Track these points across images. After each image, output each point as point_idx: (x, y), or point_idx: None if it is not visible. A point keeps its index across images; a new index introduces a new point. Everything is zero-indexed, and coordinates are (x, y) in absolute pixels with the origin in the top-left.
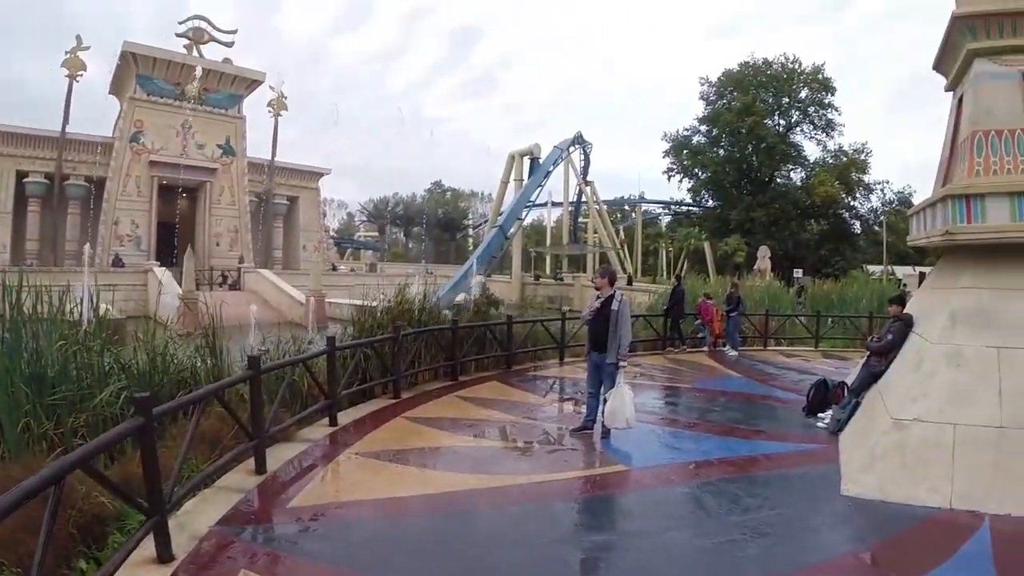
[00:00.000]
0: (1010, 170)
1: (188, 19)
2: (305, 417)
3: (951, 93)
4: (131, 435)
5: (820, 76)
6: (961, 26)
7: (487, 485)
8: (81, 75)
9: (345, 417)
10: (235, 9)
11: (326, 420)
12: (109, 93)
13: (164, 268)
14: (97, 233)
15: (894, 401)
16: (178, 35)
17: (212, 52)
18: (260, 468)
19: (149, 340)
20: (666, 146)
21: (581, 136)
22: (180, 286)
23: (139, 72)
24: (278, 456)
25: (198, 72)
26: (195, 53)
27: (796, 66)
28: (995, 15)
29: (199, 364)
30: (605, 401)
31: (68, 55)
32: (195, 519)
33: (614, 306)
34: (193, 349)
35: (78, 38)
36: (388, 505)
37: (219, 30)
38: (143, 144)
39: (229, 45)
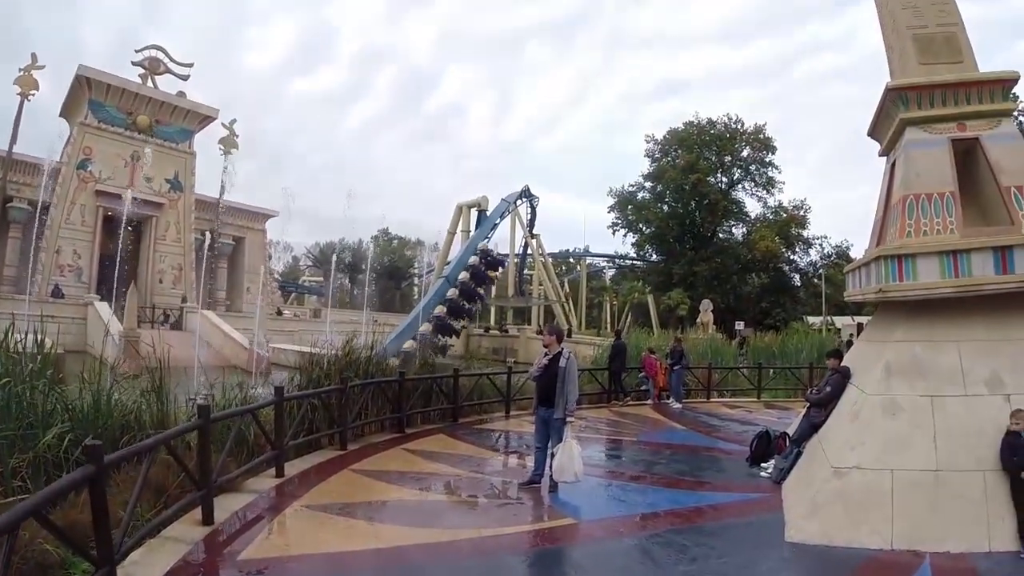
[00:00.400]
0: (939, 230)
1: (145, 48)
2: (252, 467)
3: (885, 157)
4: (82, 484)
5: (761, 135)
6: (894, 97)
7: (437, 539)
8: (33, 94)
9: (292, 468)
10: (190, 43)
11: (272, 470)
12: (60, 116)
13: (105, 302)
14: (38, 260)
15: (834, 450)
16: (134, 63)
17: (167, 84)
18: (207, 519)
19: (94, 380)
20: (612, 201)
21: (528, 190)
22: (121, 322)
23: (92, 97)
24: (225, 507)
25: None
26: (150, 83)
27: (738, 126)
28: (925, 87)
29: (144, 408)
30: (553, 455)
31: (21, 73)
32: (143, 571)
33: (561, 363)
34: (139, 393)
35: (33, 56)
36: (337, 559)
37: (175, 62)
38: (90, 172)
39: (184, 78)
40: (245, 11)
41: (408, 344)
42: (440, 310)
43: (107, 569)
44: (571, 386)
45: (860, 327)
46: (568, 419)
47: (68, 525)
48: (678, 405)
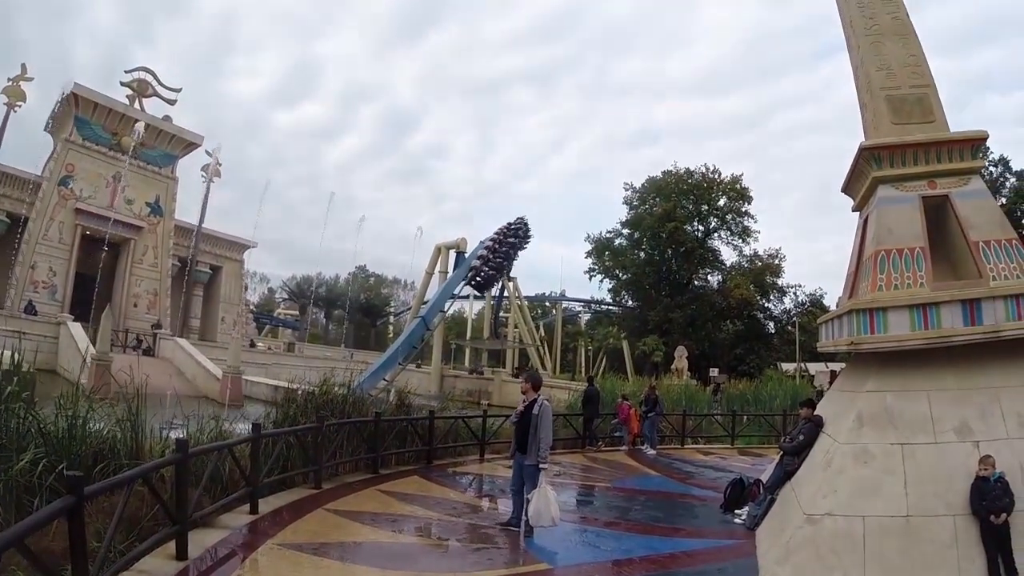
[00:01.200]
0: (909, 284)
1: (135, 69)
2: (227, 503)
3: (858, 213)
4: (61, 515)
5: (738, 186)
6: (867, 156)
7: None
8: (20, 105)
9: (266, 505)
10: (178, 68)
11: (247, 507)
12: (45, 131)
13: (78, 323)
14: (12, 275)
15: (806, 497)
16: (123, 84)
17: (154, 107)
18: (181, 554)
19: (70, 405)
20: (589, 246)
21: None
22: (93, 345)
23: (79, 115)
24: (199, 542)
25: (139, 127)
26: (137, 105)
27: (715, 175)
28: (898, 147)
29: (119, 437)
30: (528, 501)
31: (10, 83)
32: None
33: (535, 410)
34: (114, 421)
35: (23, 67)
36: None
37: (164, 86)
38: (71, 189)
39: (172, 102)
40: (233, 40)
41: (382, 384)
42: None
43: None
44: (543, 433)
45: (833, 374)
46: (541, 465)
47: (40, 552)
48: (652, 451)
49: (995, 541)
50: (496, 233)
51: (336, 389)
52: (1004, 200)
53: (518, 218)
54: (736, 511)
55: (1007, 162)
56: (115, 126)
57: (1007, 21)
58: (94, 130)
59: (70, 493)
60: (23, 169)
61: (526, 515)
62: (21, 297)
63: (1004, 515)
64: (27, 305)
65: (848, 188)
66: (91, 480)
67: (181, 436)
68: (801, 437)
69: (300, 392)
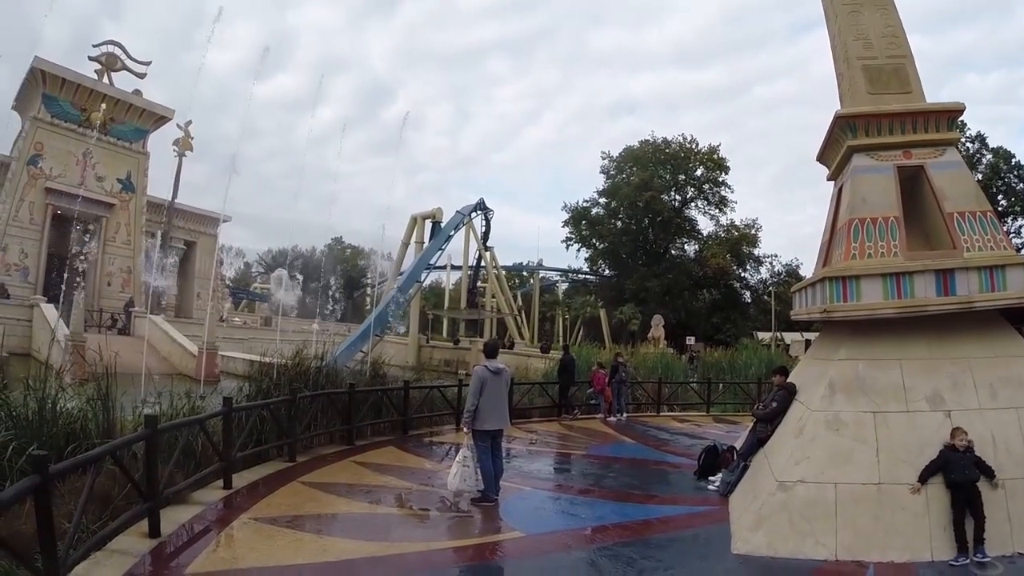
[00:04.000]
0: (883, 253)
1: (103, 43)
2: (200, 479)
3: (833, 182)
4: (27, 495)
5: (715, 156)
6: (843, 124)
7: (385, 552)
8: None
9: (240, 480)
10: (148, 42)
11: (221, 482)
12: (12, 108)
13: (51, 304)
14: None
15: (779, 464)
16: (91, 58)
17: (123, 82)
18: (154, 531)
19: (40, 387)
20: (566, 216)
21: (483, 203)
22: (67, 326)
23: (46, 91)
24: (172, 519)
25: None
26: (106, 80)
27: (693, 146)
28: (873, 116)
29: (90, 416)
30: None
31: None
32: None
33: None
34: (84, 401)
35: None
36: (285, 573)
37: (133, 59)
38: (40, 168)
39: (141, 76)
40: (203, 12)
41: (359, 356)
42: None
43: None
44: (468, 397)
45: (808, 344)
46: (463, 429)
47: (9, 536)
48: (612, 418)
49: (964, 504)
50: None
51: (310, 362)
52: (980, 176)
53: None
54: (710, 478)
55: (984, 139)
56: (84, 102)
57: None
58: (62, 107)
59: (36, 473)
60: None
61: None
62: None
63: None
64: None
65: (823, 157)
66: (62, 460)
67: (151, 413)
68: (774, 404)
69: (272, 365)
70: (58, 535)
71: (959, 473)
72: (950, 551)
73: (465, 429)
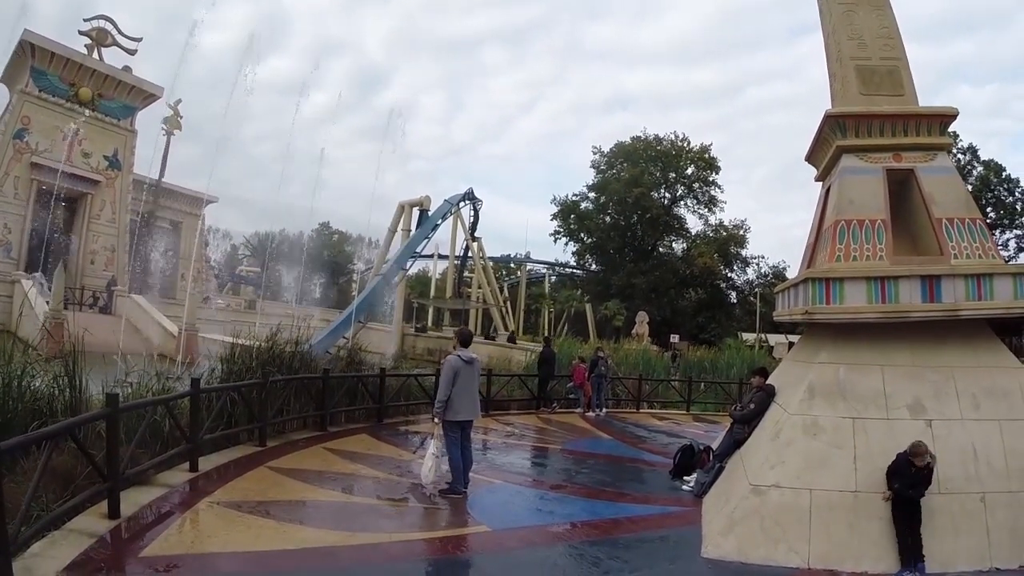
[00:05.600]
0: (868, 256)
1: (93, 18)
2: (165, 460)
3: (821, 183)
4: None
5: (706, 155)
6: (833, 124)
7: (348, 543)
8: None
9: (207, 463)
10: (138, 20)
11: (187, 464)
12: (0, 82)
13: (32, 280)
14: None
15: (754, 467)
16: (81, 33)
17: (113, 57)
18: (114, 512)
19: (6, 363)
20: (555, 209)
21: (472, 193)
22: (47, 303)
23: (35, 65)
24: (134, 500)
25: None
26: (96, 55)
27: (684, 144)
28: (864, 116)
29: (56, 394)
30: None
31: None
32: (42, 563)
33: None
34: (51, 378)
35: None
36: (246, 559)
37: (124, 35)
38: (26, 143)
39: (132, 52)
40: None
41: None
42: None
43: (0, 560)
44: (440, 386)
45: (792, 345)
46: (434, 419)
47: None
48: (591, 413)
49: (906, 518)
50: None
51: (284, 346)
52: (970, 188)
53: None
54: (685, 477)
55: (975, 150)
56: (73, 76)
57: (983, 11)
58: (51, 81)
59: None
60: None
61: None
62: None
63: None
64: None
65: (812, 157)
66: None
67: (113, 392)
68: (752, 406)
69: (247, 347)
70: (16, 514)
71: (906, 488)
72: (928, 562)
73: (436, 420)
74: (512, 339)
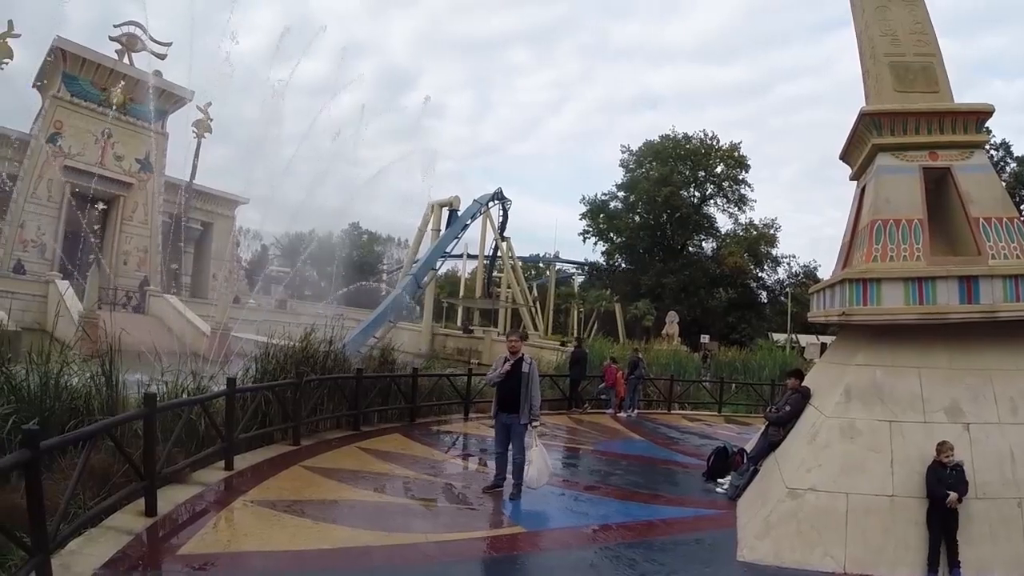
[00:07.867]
0: (906, 256)
1: (124, 23)
2: (200, 459)
3: (855, 182)
4: (17, 468)
5: (736, 153)
6: (868, 122)
7: (384, 542)
8: (7, 63)
9: (242, 461)
10: (167, 23)
11: (222, 463)
12: (32, 86)
13: (67, 281)
14: (1, 234)
15: (790, 470)
16: (111, 38)
17: (143, 62)
18: (151, 510)
19: (44, 362)
20: (584, 208)
21: (501, 192)
22: (81, 303)
23: (66, 70)
24: (170, 498)
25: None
26: (126, 60)
27: (714, 142)
28: (899, 114)
29: (93, 393)
30: (517, 462)
31: None
32: (80, 560)
33: (525, 368)
34: (89, 377)
35: (9, 23)
36: (281, 558)
37: (154, 40)
38: (60, 147)
39: (162, 57)
40: None
41: (372, 341)
42: None
43: (40, 557)
44: (535, 391)
45: (824, 347)
46: (533, 423)
47: (6, 509)
48: (623, 414)
49: (941, 525)
50: None
51: (318, 345)
52: (1004, 184)
53: None
54: (719, 480)
55: (1008, 147)
56: (104, 81)
57: (1013, 5)
58: (82, 86)
59: (26, 447)
60: (10, 128)
61: (516, 476)
62: (10, 257)
63: (957, 499)
64: (15, 264)
65: (846, 155)
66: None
67: (151, 391)
68: (787, 408)
69: (280, 347)
70: (47, 510)
71: (939, 490)
72: (964, 568)
73: (536, 423)
74: (524, 336)
